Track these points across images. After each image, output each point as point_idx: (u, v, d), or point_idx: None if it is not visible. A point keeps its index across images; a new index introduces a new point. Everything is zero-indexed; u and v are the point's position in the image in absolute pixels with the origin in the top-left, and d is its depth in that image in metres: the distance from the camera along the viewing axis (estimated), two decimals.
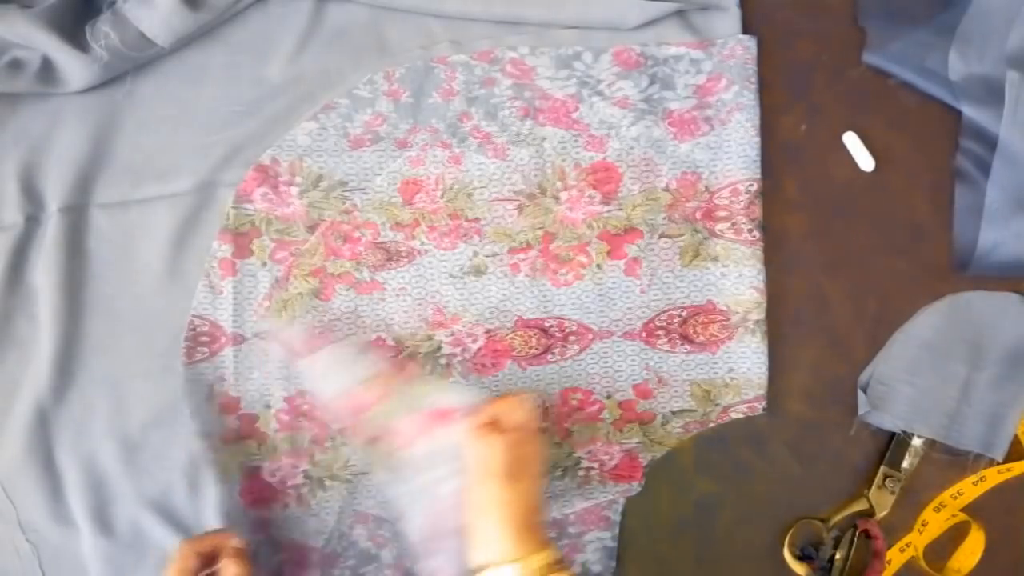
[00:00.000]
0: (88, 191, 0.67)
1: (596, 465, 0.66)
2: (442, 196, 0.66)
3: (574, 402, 0.66)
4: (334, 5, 0.69)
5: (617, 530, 0.66)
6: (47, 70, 0.65)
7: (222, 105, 0.68)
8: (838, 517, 0.66)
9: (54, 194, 0.66)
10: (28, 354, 0.66)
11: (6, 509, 0.65)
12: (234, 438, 0.66)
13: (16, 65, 0.65)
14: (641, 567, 0.66)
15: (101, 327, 0.67)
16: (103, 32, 0.64)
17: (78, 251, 0.67)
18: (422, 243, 0.66)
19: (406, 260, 0.66)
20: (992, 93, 0.66)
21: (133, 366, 0.66)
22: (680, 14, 0.68)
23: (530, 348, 0.66)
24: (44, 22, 0.63)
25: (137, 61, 0.67)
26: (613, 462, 0.66)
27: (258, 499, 0.66)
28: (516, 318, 0.66)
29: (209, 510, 0.65)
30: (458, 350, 0.66)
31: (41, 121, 0.67)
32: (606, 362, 0.66)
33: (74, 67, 0.65)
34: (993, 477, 0.67)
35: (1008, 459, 0.66)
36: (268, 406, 0.66)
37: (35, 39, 0.64)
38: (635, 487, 0.66)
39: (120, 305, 0.67)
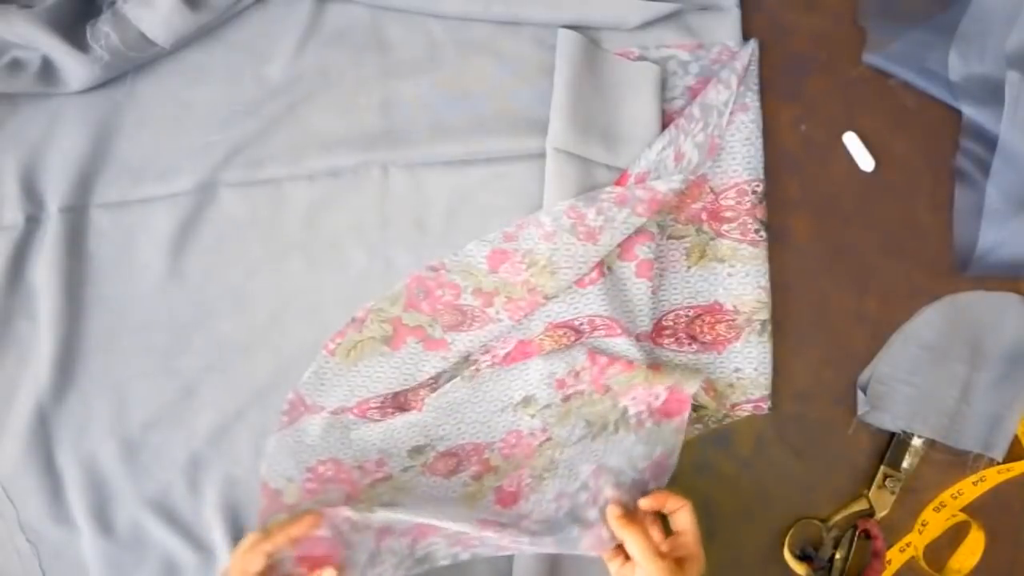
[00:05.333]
0: (88, 191, 0.67)
1: (644, 407, 0.63)
2: (527, 269, 0.65)
3: (603, 360, 0.64)
4: (334, 5, 0.69)
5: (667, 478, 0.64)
6: (47, 70, 0.65)
7: (222, 105, 0.68)
8: (838, 517, 0.67)
9: (54, 194, 0.67)
10: (28, 354, 0.66)
11: (6, 509, 0.65)
12: (262, 516, 0.64)
13: (16, 65, 0.65)
14: None
15: (101, 327, 0.67)
16: (103, 32, 0.64)
17: (78, 251, 0.67)
18: (497, 312, 0.65)
19: (478, 325, 0.66)
20: (992, 93, 0.66)
21: (133, 366, 0.66)
22: (679, 15, 0.68)
23: (558, 345, 0.65)
24: (44, 22, 0.63)
25: (137, 61, 0.67)
26: (659, 401, 0.63)
27: (319, 560, 0.60)
28: (547, 323, 0.65)
29: (209, 510, 0.65)
30: (487, 356, 0.66)
31: (41, 121, 0.67)
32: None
33: (74, 67, 0.65)
34: (993, 477, 0.67)
35: (1008, 459, 0.66)
36: (291, 480, 0.64)
37: (35, 39, 0.64)
38: (685, 421, 0.63)
39: (120, 305, 0.67)
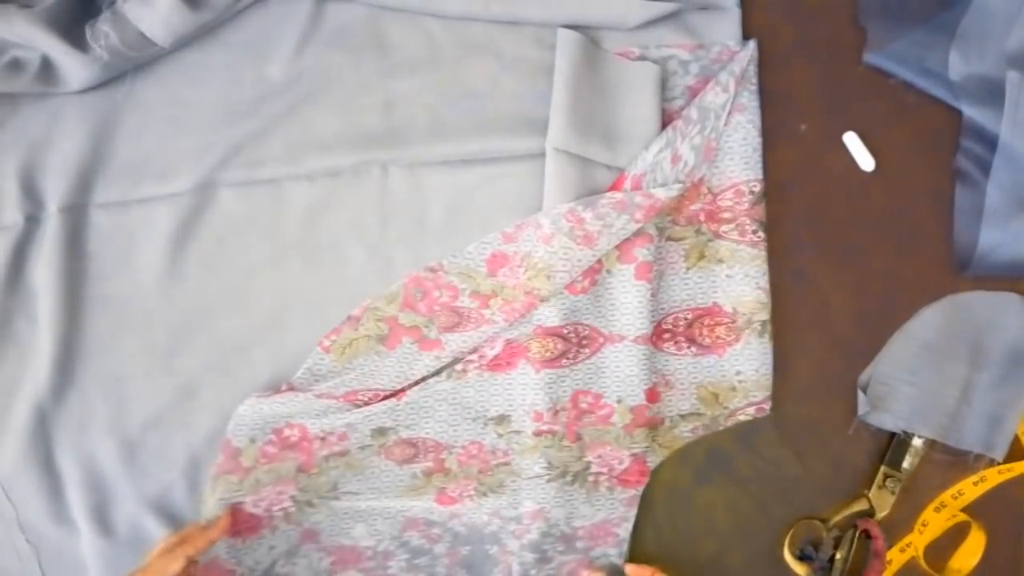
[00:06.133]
0: (88, 191, 0.67)
1: (605, 470, 0.65)
2: (524, 272, 0.65)
3: (584, 405, 0.65)
4: (334, 5, 0.69)
5: (625, 547, 0.65)
6: (47, 70, 0.65)
7: (222, 105, 0.68)
8: (838, 517, 0.66)
9: (54, 194, 0.67)
10: (28, 354, 0.66)
11: (6, 509, 0.65)
12: (216, 472, 0.64)
13: (16, 65, 0.65)
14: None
15: (101, 327, 0.67)
16: (103, 32, 0.64)
17: (78, 251, 0.67)
18: (493, 314, 0.65)
19: (472, 326, 0.66)
20: (992, 93, 0.65)
21: (133, 366, 0.67)
22: (679, 15, 0.68)
23: (546, 352, 0.65)
24: (44, 22, 0.63)
25: (137, 61, 0.67)
26: (622, 466, 0.65)
27: (242, 530, 0.64)
28: (536, 326, 0.65)
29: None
30: (475, 356, 0.66)
31: (41, 121, 0.67)
32: (617, 367, 0.66)
33: (74, 67, 0.65)
34: (993, 477, 0.67)
35: (1008, 459, 0.66)
36: (253, 440, 0.65)
37: (35, 39, 0.64)
38: (639, 494, 0.66)
39: (120, 305, 0.67)
